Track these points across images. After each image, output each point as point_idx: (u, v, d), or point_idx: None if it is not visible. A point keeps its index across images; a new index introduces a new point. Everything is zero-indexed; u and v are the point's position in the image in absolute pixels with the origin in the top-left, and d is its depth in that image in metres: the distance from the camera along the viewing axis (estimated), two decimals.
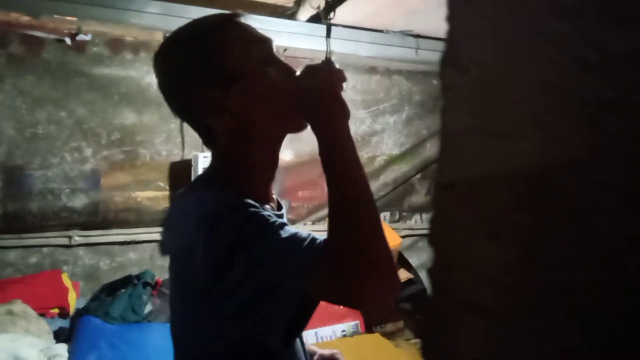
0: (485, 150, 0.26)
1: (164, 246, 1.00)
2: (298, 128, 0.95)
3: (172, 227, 0.95)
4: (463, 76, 0.27)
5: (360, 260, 0.73)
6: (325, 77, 0.86)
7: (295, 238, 0.78)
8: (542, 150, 0.24)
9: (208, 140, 0.98)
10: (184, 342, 0.97)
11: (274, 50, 0.93)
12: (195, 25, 0.94)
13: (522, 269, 0.25)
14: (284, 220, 1.04)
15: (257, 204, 0.85)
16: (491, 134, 0.26)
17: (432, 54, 2.66)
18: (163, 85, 0.95)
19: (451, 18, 0.28)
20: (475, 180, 0.26)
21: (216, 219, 0.80)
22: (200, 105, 0.92)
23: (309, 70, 0.88)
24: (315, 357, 1.22)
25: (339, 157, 0.82)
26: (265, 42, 0.92)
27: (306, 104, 0.86)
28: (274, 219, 0.82)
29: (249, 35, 0.91)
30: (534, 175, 0.24)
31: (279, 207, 1.05)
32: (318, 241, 0.78)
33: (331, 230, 0.78)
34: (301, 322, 0.88)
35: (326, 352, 1.25)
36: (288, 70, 0.92)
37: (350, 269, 0.73)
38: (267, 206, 0.98)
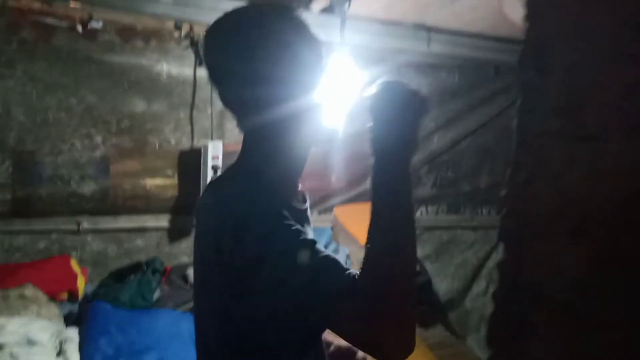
0: (568, 151, 0.27)
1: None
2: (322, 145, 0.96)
3: (202, 223, 0.97)
4: (546, 78, 0.28)
5: (388, 308, 0.70)
6: (416, 105, 0.78)
7: (324, 266, 0.75)
8: (630, 152, 0.25)
9: (242, 127, 0.99)
10: (207, 335, 0.99)
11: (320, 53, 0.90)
12: (239, 14, 0.92)
13: (605, 266, 0.26)
14: (309, 215, 1.05)
15: (286, 210, 0.86)
16: (576, 135, 0.27)
17: (442, 47, 2.67)
18: (206, 67, 0.95)
19: (531, 18, 0.29)
20: (557, 179, 0.28)
21: (245, 227, 0.80)
22: (231, 96, 0.94)
23: (405, 93, 0.78)
24: (332, 348, 1.24)
25: (395, 194, 0.77)
26: (309, 45, 0.89)
27: (386, 125, 0.77)
28: (304, 235, 0.80)
29: (291, 37, 0.88)
30: (622, 175, 0.25)
31: (305, 200, 1.07)
32: (347, 274, 0.74)
33: (365, 273, 0.73)
34: (319, 336, 0.90)
35: (343, 342, 1.26)
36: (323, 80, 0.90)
37: (376, 316, 0.70)
38: (295, 202, 0.99)
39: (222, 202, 0.90)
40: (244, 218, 0.81)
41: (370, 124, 0.78)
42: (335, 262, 0.76)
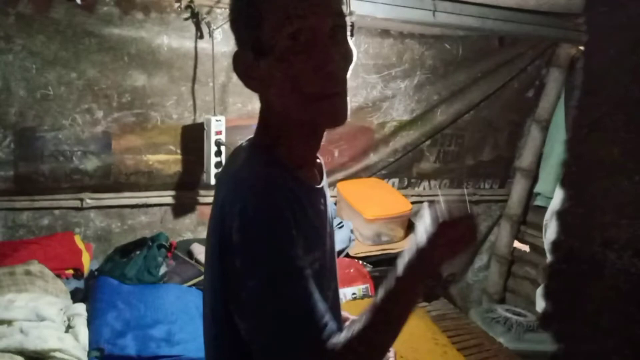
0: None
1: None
2: (323, 125, 0.94)
3: (217, 195, 0.97)
4: None
5: None
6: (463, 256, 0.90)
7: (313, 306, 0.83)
8: None
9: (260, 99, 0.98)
10: (205, 308, 1.00)
11: (325, 28, 0.84)
12: None
13: None
14: (325, 192, 1.04)
15: (298, 190, 0.88)
16: None
17: (448, 17, 2.62)
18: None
19: None
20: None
21: (249, 224, 0.82)
22: (238, 64, 0.93)
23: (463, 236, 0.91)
24: (347, 324, 1.23)
25: (402, 308, 0.86)
26: (310, 19, 0.83)
27: (432, 254, 0.87)
28: (301, 260, 0.83)
29: (293, 10, 0.82)
30: None
31: (322, 176, 1.05)
32: (323, 325, 0.83)
33: (354, 341, 0.83)
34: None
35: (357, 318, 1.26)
36: (324, 59, 0.84)
37: None
38: (309, 180, 0.98)
39: (234, 184, 0.90)
40: (249, 212, 0.82)
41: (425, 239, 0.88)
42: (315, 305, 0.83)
